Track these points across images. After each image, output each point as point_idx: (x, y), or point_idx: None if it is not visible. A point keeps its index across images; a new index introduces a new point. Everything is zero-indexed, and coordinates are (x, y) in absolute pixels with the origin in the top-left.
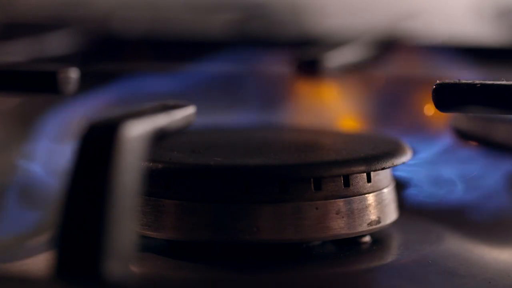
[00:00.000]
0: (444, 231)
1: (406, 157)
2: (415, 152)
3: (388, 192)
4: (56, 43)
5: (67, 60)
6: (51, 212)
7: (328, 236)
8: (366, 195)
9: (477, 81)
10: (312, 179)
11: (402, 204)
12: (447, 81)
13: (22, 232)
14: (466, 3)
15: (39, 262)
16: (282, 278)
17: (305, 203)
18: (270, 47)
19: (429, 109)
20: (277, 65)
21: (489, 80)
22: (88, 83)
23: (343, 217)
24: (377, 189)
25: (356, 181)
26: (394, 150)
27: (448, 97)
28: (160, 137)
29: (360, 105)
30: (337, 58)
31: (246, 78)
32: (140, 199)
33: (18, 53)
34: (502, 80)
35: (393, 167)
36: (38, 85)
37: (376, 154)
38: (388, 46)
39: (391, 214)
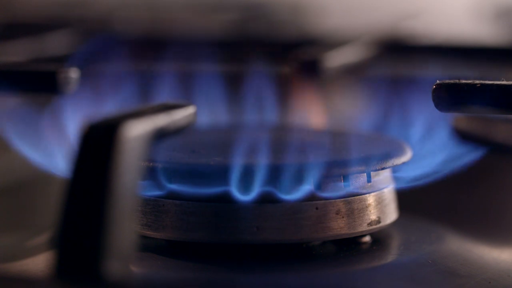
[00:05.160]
0: (444, 231)
1: (406, 157)
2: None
3: (388, 192)
4: (56, 43)
5: (67, 60)
6: (51, 212)
7: (328, 236)
8: (366, 195)
9: (477, 81)
10: (312, 179)
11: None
12: (447, 81)
13: (22, 232)
14: (466, 3)
15: (39, 262)
16: (282, 278)
17: (305, 203)
18: (270, 47)
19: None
20: (277, 65)
21: (489, 80)
22: (88, 83)
23: (343, 217)
24: (377, 189)
25: (356, 181)
26: (394, 150)
27: (448, 97)
28: (160, 137)
29: (360, 105)
30: (337, 58)
31: (246, 78)
32: (140, 199)
33: (18, 53)
34: (502, 80)
35: (393, 167)
36: (38, 85)
37: (376, 154)
38: (388, 46)
39: (391, 214)
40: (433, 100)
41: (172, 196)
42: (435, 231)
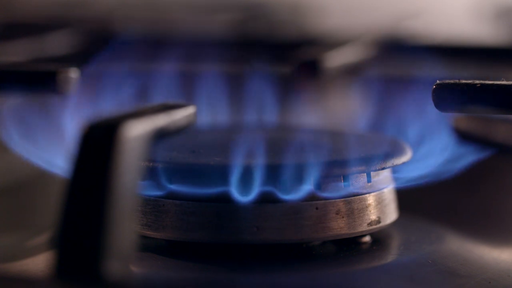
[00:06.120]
0: (444, 231)
1: (406, 157)
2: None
3: (388, 192)
4: (56, 43)
5: (67, 60)
6: (51, 212)
7: (328, 236)
8: (366, 195)
9: (477, 81)
10: (312, 179)
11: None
12: (447, 81)
13: (22, 232)
14: (466, 3)
15: (39, 262)
16: (282, 278)
17: (305, 203)
18: (270, 47)
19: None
20: (277, 65)
21: (489, 80)
22: (88, 83)
23: (343, 217)
24: (377, 189)
25: (356, 181)
26: (394, 150)
27: (448, 97)
28: (160, 137)
29: (360, 105)
30: (337, 58)
31: (246, 78)
32: (140, 199)
33: (18, 53)
34: (502, 80)
35: (393, 167)
36: (38, 85)
37: (376, 154)
38: (388, 46)
39: (391, 214)
40: (433, 100)
41: (172, 196)
42: (435, 231)
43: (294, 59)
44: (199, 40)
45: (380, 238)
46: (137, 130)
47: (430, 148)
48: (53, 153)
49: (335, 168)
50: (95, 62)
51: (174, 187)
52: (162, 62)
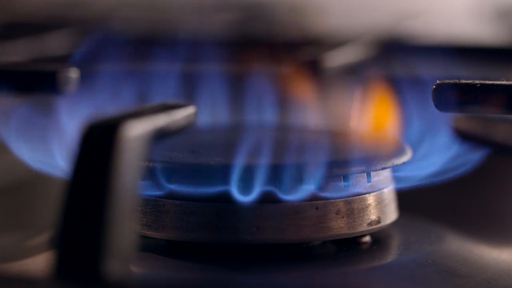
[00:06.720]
0: (444, 231)
1: (406, 157)
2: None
3: (388, 192)
4: (56, 43)
5: (67, 60)
6: (51, 212)
7: (328, 236)
8: (366, 195)
9: (477, 81)
10: (312, 179)
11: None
12: (447, 81)
13: (22, 232)
14: (466, 3)
15: (39, 262)
16: (282, 278)
17: (305, 203)
18: (270, 47)
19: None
20: (277, 65)
21: (489, 80)
22: (88, 83)
23: (343, 217)
24: (377, 189)
25: (356, 181)
26: (394, 150)
27: (448, 97)
28: (160, 137)
29: (359, 105)
30: (337, 58)
31: (246, 78)
32: (140, 199)
33: (18, 53)
34: (502, 80)
35: (393, 167)
36: (38, 85)
37: (376, 154)
38: (388, 46)
39: (391, 214)
40: (433, 100)
41: (172, 196)
42: (435, 231)
43: (294, 59)
44: (199, 40)
45: (380, 238)
46: (137, 130)
47: (430, 148)
48: (53, 153)
49: (335, 168)
50: (95, 62)
51: (174, 187)
52: (162, 62)
